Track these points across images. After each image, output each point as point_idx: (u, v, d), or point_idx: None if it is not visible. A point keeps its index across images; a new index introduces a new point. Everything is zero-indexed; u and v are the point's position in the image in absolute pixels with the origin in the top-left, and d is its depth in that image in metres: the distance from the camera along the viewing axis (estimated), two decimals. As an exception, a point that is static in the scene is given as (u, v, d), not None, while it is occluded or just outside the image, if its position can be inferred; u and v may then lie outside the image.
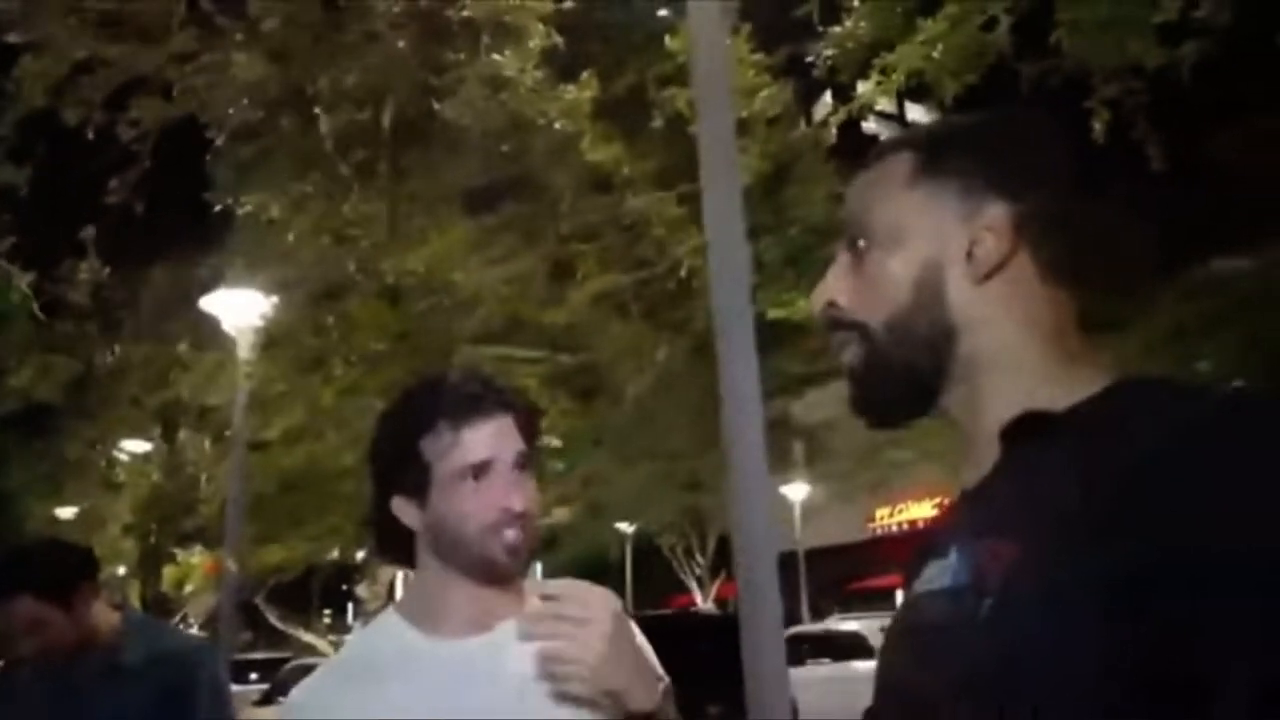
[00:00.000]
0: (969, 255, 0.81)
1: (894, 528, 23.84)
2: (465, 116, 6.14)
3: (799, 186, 7.40)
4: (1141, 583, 0.62)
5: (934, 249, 0.82)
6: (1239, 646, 0.59)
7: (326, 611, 23.94)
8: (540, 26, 6.10)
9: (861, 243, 0.85)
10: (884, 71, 4.46)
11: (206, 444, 10.23)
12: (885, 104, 8.49)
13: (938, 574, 0.79)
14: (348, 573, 9.54)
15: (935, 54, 4.37)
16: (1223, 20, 3.94)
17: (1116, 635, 0.62)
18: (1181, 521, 0.62)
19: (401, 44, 6.41)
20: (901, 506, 23.37)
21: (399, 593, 8.12)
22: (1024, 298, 0.80)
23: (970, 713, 0.69)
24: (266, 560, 9.49)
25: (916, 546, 0.91)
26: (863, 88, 4.99)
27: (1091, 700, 0.63)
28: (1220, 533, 0.61)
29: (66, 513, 14.76)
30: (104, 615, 2.30)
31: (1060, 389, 0.77)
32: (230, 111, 7.31)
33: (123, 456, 12.17)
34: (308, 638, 11.03)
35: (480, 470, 1.26)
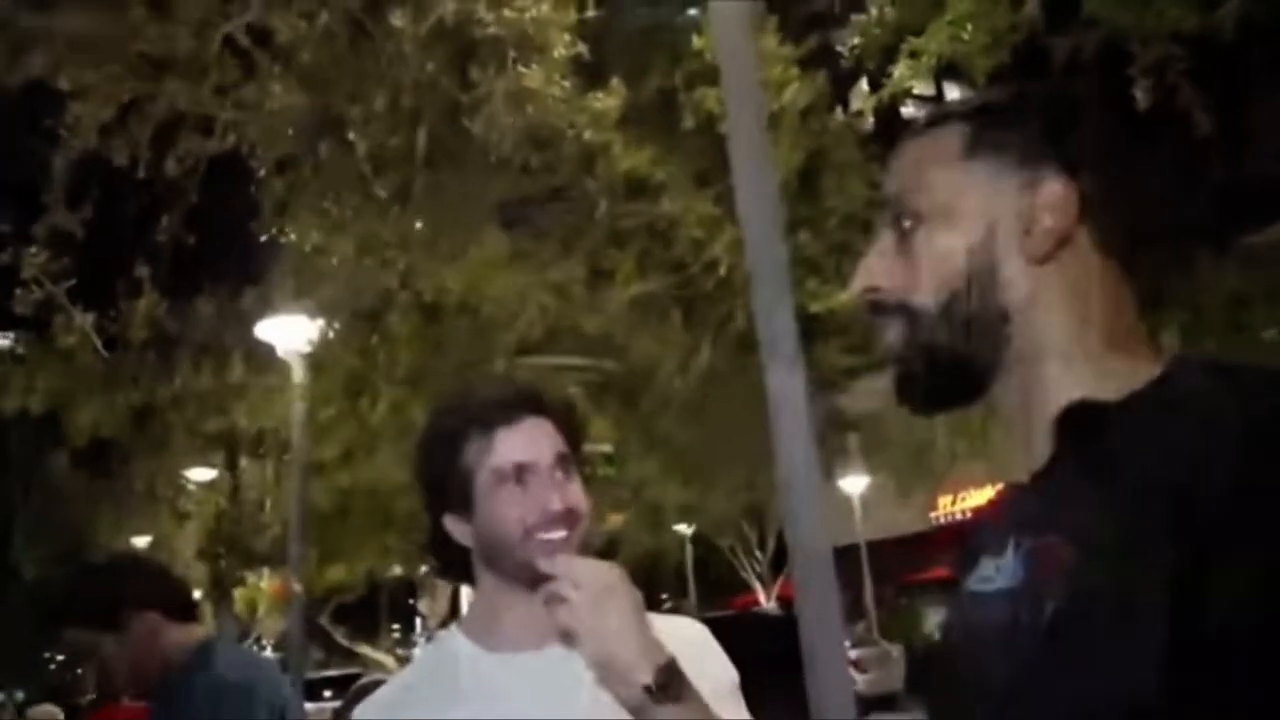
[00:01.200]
0: (1027, 233, 0.76)
1: (957, 516, 23.44)
2: (494, 132, 6.19)
3: (835, 177, 7.32)
4: (1209, 585, 0.59)
5: (989, 227, 0.77)
6: None
7: (395, 627, 24.30)
8: (565, 37, 6.13)
9: (907, 221, 0.80)
10: (913, 55, 4.38)
11: (268, 469, 10.45)
12: (921, 87, 8.36)
13: (994, 573, 0.76)
14: (412, 589, 9.67)
15: (965, 34, 4.28)
16: (1234, 25, 3.80)
17: (1183, 642, 0.59)
18: (1245, 515, 0.59)
19: (430, 65, 6.49)
20: (964, 495, 22.98)
21: (462, 606, 8.22)
22: (1082, 278, 0.76)
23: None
24: (329, 580, 9.66)
25: (966, 540, 0.88)
26: (894, 73, 4.91)
27: (1157, 714, 0.60)
28: None
29: (140, 542, 15.27)
30: (177, 637, 2.22)
31: (1116, 376, 0.73)
32: (269, 141, 7.48)
33: (189, 486, 12.52)
34: (375, 655, 11.20)
35: (520, 473, 1.25)
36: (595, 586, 1.07)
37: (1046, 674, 0.67)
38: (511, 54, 6.14)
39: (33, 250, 8.31)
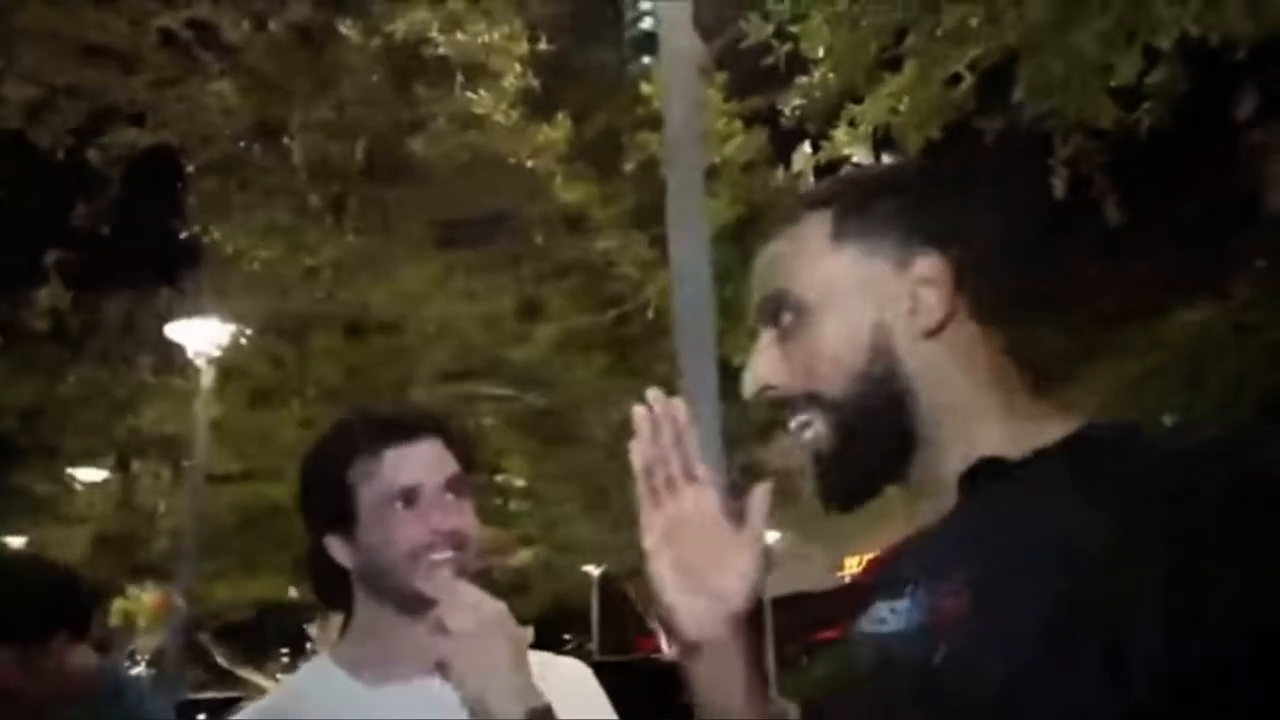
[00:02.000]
0: (911, 310, 0.77)
1: (862, 577, 23.79)
2: (436, 152, 6.16)
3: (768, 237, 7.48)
4: (1104, 627, 0.60)
5: (874, 309, 0.78)
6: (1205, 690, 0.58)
7: (284, 651, 23.30)
8: (516, 66, 6.16)
9: (789, 315, 0.80)
10: (852, 123, 4.53)
11: (164, 475, 10.02)
12: (860, 153, 8.58)
13: (889, 614, 0.77)
14: (303, 612, 9.32)
15: (901, 107, 4.44)
16: (1176, 87, 4.05)
17: (1075, 681, 0.60)
18: (1136, 576, 0.61)
19: (375, 78, 6.45)
20: (871, 555, 23.37)
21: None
22: (973, 346, 0.78)
23: None
24: (217, 597, 9.25)
25: (862, 583, 0.90)
26: (832, 138, 5.08)
27: None
28: (1180, 580, 0.60)
29: (15, 543, 14.41)
30: (77, 661, 1.87)
31: (1020, 436, 0.74)
32: (202, 140, 7.30)
33: (76, 486, 11.92)
34: (258, 679, 10.70)
35: (409, 496, 1.21)
36: (478, 617, 1.04)
37: (933, 716, 0.67)
38: (460, 78, 6.15)
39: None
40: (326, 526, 1.25)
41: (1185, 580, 0.60)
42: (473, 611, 1.04)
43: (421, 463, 1.23)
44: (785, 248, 0.82)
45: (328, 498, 1.24)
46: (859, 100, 4.59)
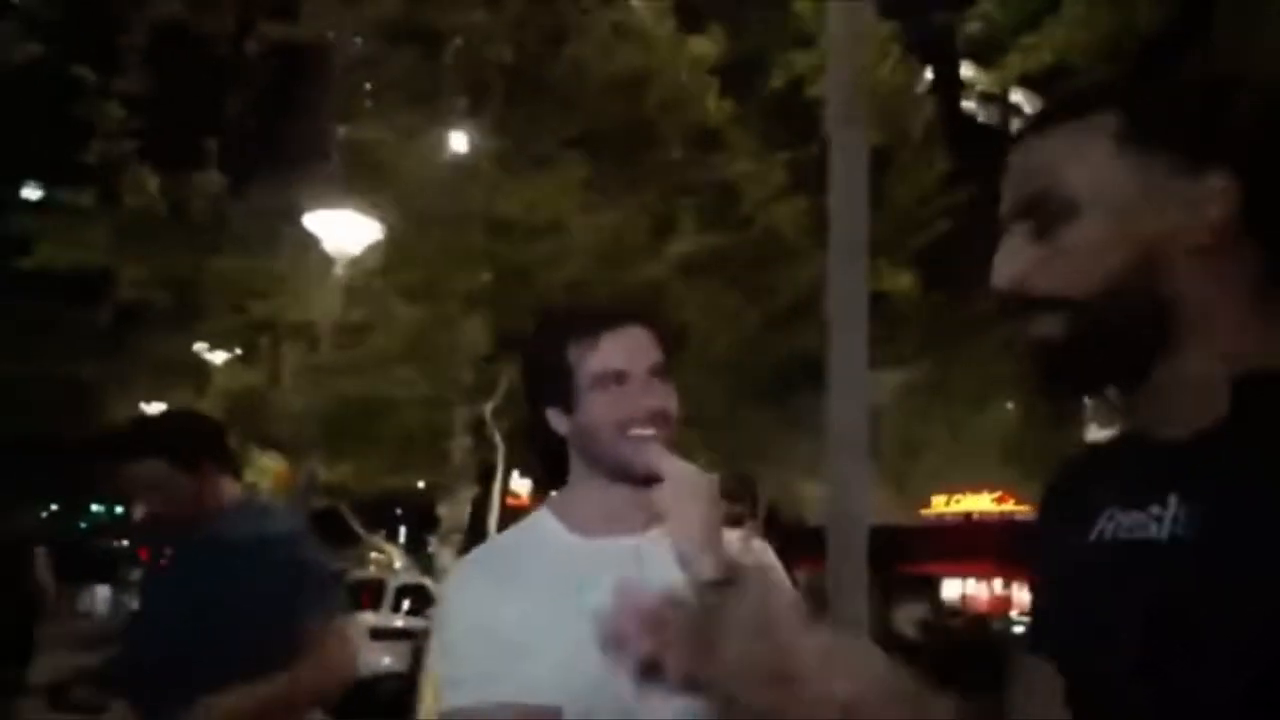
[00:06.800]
0: (1187, 225, 0.76)
1: (946, 518, 23.63)
2: (595, 60, 6.15)
3: (911, 161, 7.30)
4: None
5: (1152, 218, 0.76)
6: None
7: (401, 530, 24.57)
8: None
9: (1056, 211, 0.78)
10: (1028, 49, 4.38)
11: (292, 356, 10.48)
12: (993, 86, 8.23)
13: (1151, 522, 0.76)
14: (429, 495, 9.76)
15: (1083, 36, 4.27)
16: None
17: None
18: None
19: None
20: (958, 497, 23.14)
21: (488, 518, 8.35)
22: (1242, 269, 0.77)
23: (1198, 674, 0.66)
24: (334, 477, 9.73)
25: (1057, 495, 0.89)
26: (982, 73, 4.91)
27: None
28: None
29: (152, 409, 15.31)
30: (229, 490, 2.33)
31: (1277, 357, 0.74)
32: (357, 40, 7.45)
33: (215, 360, 12.62)
34: (389, 548, 11.33)
35: (619, 378, 1.36)
36: (687, 484, 1.15)
37: (1221, 626, 0.67)
38: (619, -13, 6.09)
39: (110, 104, 8.33)
40: (547, 400, 1.41)
41: None
42: (681, 478, 1.15)
43: (631, 348, 1.38)
44: (1059, 145, 0.79)
45: (547, 375, 1.40)
46: (1035, 28, 4.44)
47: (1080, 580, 0.81)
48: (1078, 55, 4.33)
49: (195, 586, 2.26)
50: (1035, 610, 0.89)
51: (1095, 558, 0.80)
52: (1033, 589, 0.91)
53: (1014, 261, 0.80)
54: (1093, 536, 0.81)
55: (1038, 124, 0.82)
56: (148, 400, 15.21)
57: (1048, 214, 0.78)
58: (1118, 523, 0.79)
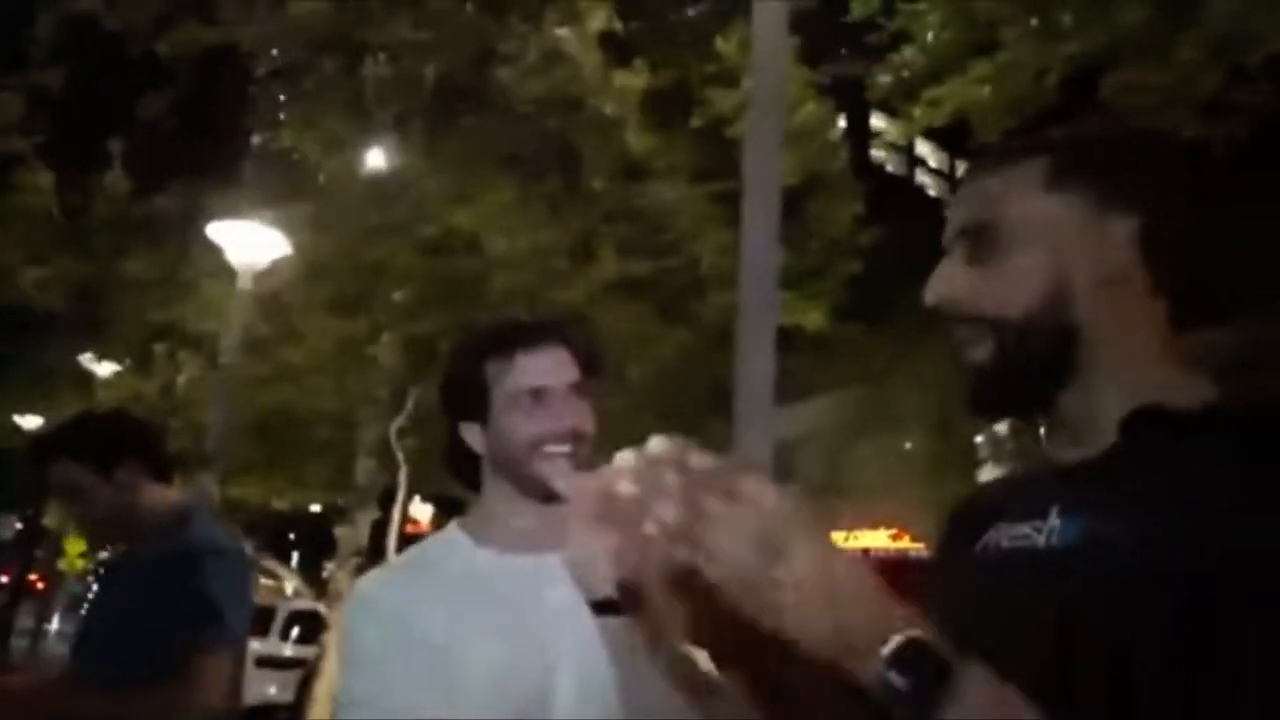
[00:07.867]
0: (1099, 260, 0.83)
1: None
2: (522, 84, 6.20)
3: (825, 203, 7.54)
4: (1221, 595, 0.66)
5: (1065, 252, 0.84)
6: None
7: (293, 555, 23.69)
8: (603, 11, 6.18)
9: (985, 243, 0.86)
10: (932, 104, 4.61)
11: (188, 368, 10.09)
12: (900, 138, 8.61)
13: (1034, 533, 0.82)
14: (327, 517, 9.49)
15: (985, 93, 4.51)
16: (1263, 100, 4.10)
17: (1232, 636, 0.66)
18: None
19: (467, 4, 6.46)
20: (856, 534, 23.65)
21: (386, 539, 8.16)
22: (1141, 304, 0.84)
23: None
24: (237, 495, 9.39)
25: (960, 515, 0.95)
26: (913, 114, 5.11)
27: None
28: None
29: (31, 423, 14.40)
30: (160, 497, 2.22)
31: (1177, 391, 0.81)
32: (275, 51, 7.32)
33: (102, 372, 12.03)
34: (281, 571, 10.93)
35: (536, 395, 1.37)
36: (590, 502, 1.17)
37: (1067, 636, 0.73)
38: (549, 15, 6.17)
39: (10, 98, 7.96)
40: (464, 416, 1.42)
41: None
42: (584, 498, 1.19)
43: (549, 367, 1.39)
44: (997, 184, 0.88)
45: (467, 390, 1.41)
46: (941, 83, 4.66)
47: (963, 587, 0.87)
48: (980, 110, 4.57)
49: (115, 603, 2.19)
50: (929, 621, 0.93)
51: (979, 566, 0.87)
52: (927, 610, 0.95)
53: (948, 281, 0.88)
54: (978, 548, 0.88)
55: (985, 163, 0.91)
56: (23, 413, 14.40)
57: (983, 241, 0.86)
58: (1003, 534, 0.86)
